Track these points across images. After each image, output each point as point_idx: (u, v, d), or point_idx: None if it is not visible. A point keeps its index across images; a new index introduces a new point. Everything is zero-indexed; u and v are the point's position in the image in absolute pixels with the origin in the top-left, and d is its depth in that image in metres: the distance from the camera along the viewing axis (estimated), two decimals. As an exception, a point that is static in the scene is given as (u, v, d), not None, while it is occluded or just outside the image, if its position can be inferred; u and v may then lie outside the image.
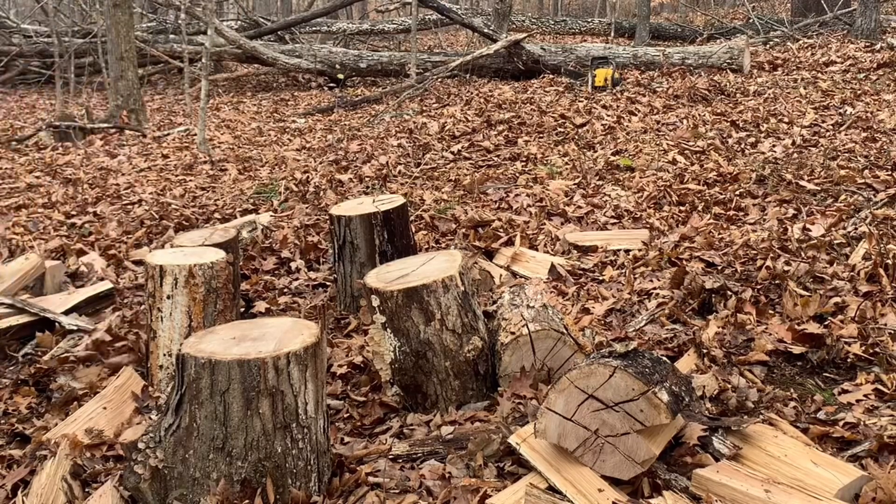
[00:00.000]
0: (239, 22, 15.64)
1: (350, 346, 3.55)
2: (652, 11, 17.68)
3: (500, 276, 4.18)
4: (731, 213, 4.89)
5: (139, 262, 4.69)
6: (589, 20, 18.71)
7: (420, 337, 2.89)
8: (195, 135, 8.72)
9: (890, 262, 3.58)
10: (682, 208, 5.08)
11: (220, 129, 9.83)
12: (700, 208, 5.01)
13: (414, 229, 4.68)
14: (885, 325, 3.13)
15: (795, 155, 5.94)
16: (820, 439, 2.49)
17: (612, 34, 15.68)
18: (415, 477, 2.48)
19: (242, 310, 4.04)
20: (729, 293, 3.55)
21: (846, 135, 6.32)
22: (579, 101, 8.89)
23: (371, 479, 2.49)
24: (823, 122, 6.85)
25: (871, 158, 5.57)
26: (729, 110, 7.69)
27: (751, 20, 14.78)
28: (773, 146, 6.24)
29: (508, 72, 11.66)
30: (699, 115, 7.60)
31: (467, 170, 6.60)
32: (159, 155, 8.20)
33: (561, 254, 4.54)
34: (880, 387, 2.75)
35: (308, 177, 6.61)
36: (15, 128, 10.59)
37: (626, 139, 7.01)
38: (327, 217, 4.58)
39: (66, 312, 3.87)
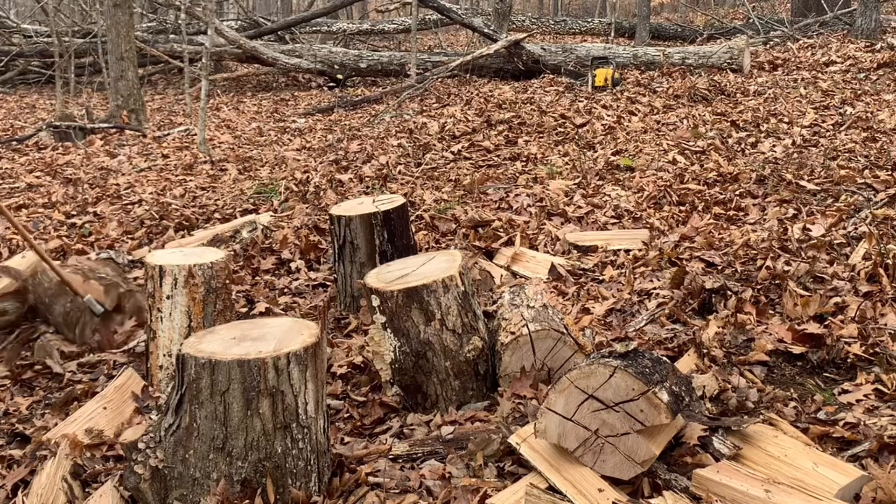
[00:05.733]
0: (239, 22, 15.65)
1: (350, 346, 3.55)
2: (652, 11, 17.68)
3: (500, 276, 4.18)
4: (731, 213, 4.89)
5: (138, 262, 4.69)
6: (589, 20, 18.72)
7: (420, 337, 2.89)
8: (195, 135, 8.72)
9: (890, 262, 3.58)
10: (682, 208, 5.08)
11: (220, 129, 9.83)
12: (700, 208, 5.01)
13: (414, 229, 4.68)
14: (885, 325, 3.13)
15: (795, 155, 5.94)
16: (820, 439, 2.49)
17: (612, 34, 15.68)
18: (415, 477, 2.48)
19: (244, 310, 4.04)
20: (729, 293, 3.54)
21: (846, 135, 6.32)
22: (579, 101, 8.89)
23: (371, 479, 2.49)
24: (823, 122, 6.85)
25: (871, 158, 5.57)
26: (729, 110, 7.69)
27: (751, 20, 14.79)
28: (773, 146, 6.24)
29: (508, 72, 11.66)
30: (699, 115, 7.60)
31: (467, 170, 6.60)
32: (159, 155, 8.20)
33: (561, 254, 4.54)
34: (880, 387, 2.75)
35: (308, 177, 6.61)
36: (15, 128, 10.59)
37: (626, 139, 7.01)
38: (327, 217, 4.58)
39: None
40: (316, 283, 4.49)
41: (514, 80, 11.45)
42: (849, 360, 2.97)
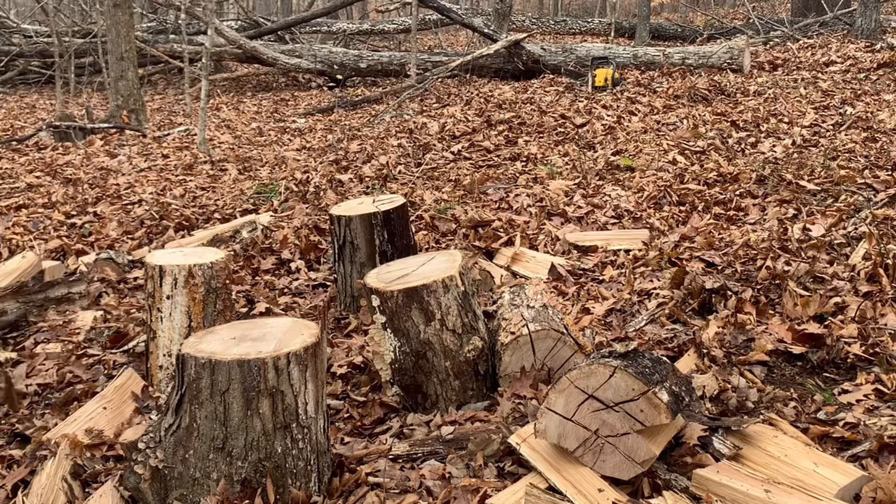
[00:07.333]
0: (239, 22, 15.64)
1: (350, 346, 3.55)
2: (652, 11, 17.68)
3: (501, 276, 4.18)
4: (731, 213, 4.89)
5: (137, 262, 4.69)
6: (589, 20, 18.72)
7: (420, 337, 2.89)
8: (195, 135, 8.72)
9: (890, 262, 3.58)
10: (682, 208, 5.08)
11: (220, 129, 9.83)
12: (700, 208, 5.01)
13: (414, 229, 4.68)
14: (885, 325, 3.13)
15: (795, 155, 5.94)
16: (820, 439, 2.49)
17: (612, 34, 15.68)
18: (415, 477, 2.48)
19: (244, 310, 4.04)
20: (729, 293, 3.54)
21: (846, 135, 6.32)
22: (579, 101, 8.89)
23: (371, 479, 2.49)
24: (823, 122, 6.85)
25: (871, 158, 5.57)
26: (729, 110, 7.69)
27: (751, 20, 14.79)
28: (774, 146, 6.24)
29: (508, 72, 11.66)
30: (699, 115, 7.60)
31: (467, 170, 6.60)
32: (159, 155, 8.20)
33: (561, 254, 4.54)
34: (880, 387, 2.74)
35: (308, 177, 6.61)
36: (15, 128, 10.59)
37: (626, 139, 7.01)
38: (327, 217, 4.58)
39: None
40: (316, 283, 4.49)
41: (514, 80, 11.45)
42: (849, 360, 2.97)
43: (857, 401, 2.69)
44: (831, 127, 6.66)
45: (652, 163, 6.15)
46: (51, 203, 6.30)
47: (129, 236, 5.40)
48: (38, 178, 7.33)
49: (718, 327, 3.25)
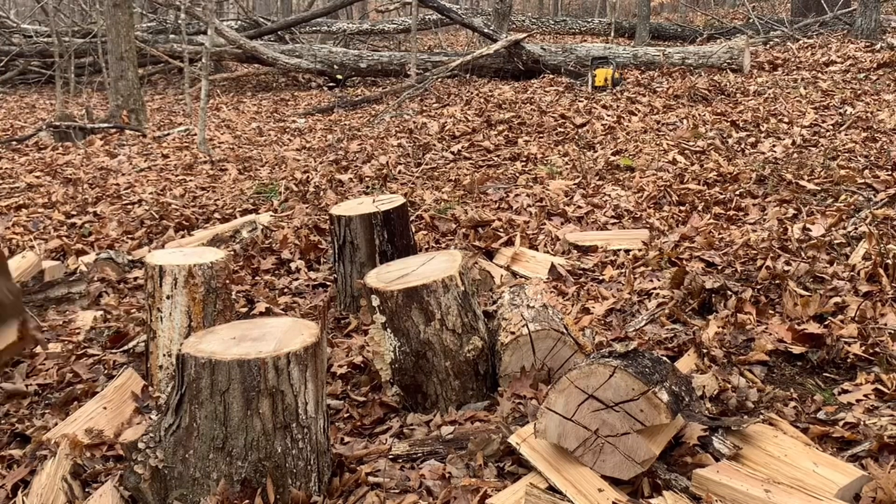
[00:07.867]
0: (239, 22, 15.64)
1: (350, 346, 3.55)
2: (652, 11, 17.68)
3: (500, 276, 4.18)
4: (731, 213, 4.89)
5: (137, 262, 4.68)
6: (589, 20, 18.72)
7: (420, 337, 2.89)
8: (195, 135, 8.72)
9: (890, 262, 3.58)
10: (682, 208, 5.08)
11: (220, 129, 9.83)
12: (700, 208, 5.01)
13: (414, 229, 4.68)
14: (885, 325, 3.13)
15: (795, 155, 5.94)
16: (820, 439, 2.49)
17: (612, 34, 15.68)
18: (415, 477, 2.48)
19: (244, 310, 4.04)
20: (729, 293, 3.54)
21: (846, 135, 6.32)
22: (579, 101, 8.89)
23: (371, 479, 2.49)
24: (823, 122, 6.86)
25: (871, 158, 5.57)
26: (729, 110, 7.69)
27: (751, 20, 14.79)
28: (773, 146, 6.24)
29: (508, 72, 11.67)
30: (699, 115, 7.60)
31: (467, 170, 6.60)
32: (159, 155, 8.20)
33: (561, 254, 4.54)
34: (880, 387, 2.74)
35: (308, 177, 6.61)
36: (15, 128, 10.59)
37: (626, 139, 7.01)
38: (327, 217, 4.58)
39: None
40: (316, 283, 4.49)
41: (514, 80, 11.45)
42: (849, 360, 2.97)
43: (857, 401, 2.69)
44: (831, 127, 6.66)
45: (652, 163, 6.15)
46: (51, 203, 6.30)
47: (129, 236, 5.40)
48: (38, 178, 7.33)
49: (718, 327, 3.25)
